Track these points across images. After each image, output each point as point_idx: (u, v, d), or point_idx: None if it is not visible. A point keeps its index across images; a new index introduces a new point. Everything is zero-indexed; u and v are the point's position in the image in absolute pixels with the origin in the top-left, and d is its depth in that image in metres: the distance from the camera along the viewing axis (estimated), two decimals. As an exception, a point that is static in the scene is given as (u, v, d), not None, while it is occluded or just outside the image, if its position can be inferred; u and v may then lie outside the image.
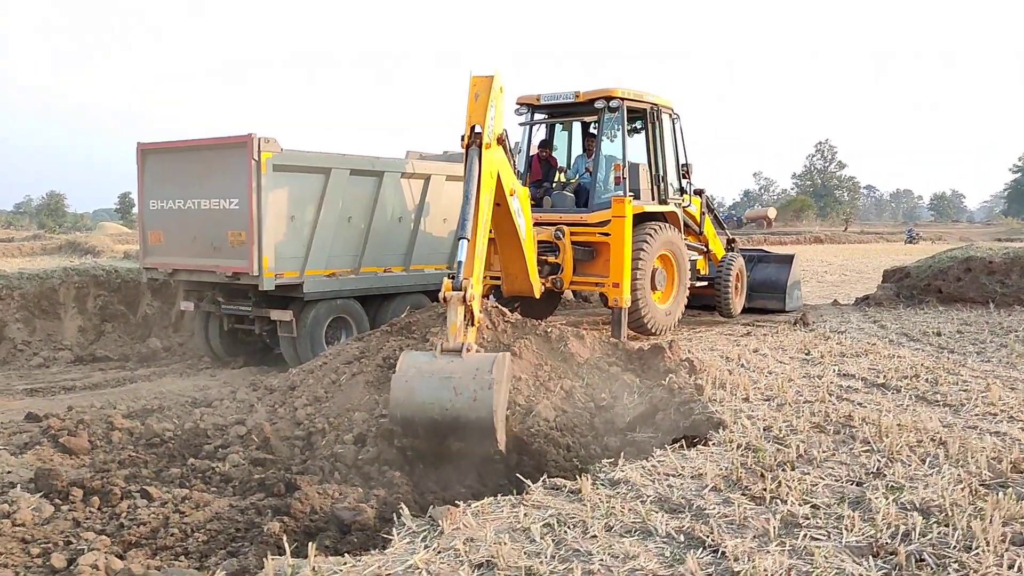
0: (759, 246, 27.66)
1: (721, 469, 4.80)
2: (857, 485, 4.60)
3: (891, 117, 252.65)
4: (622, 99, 10.18)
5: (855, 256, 32.23)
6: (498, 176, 7.35)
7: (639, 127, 10.97)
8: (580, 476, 4.71)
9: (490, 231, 7.92)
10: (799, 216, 68.79)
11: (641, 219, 10.30)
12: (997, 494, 4.31)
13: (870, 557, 3.62)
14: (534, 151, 11.20)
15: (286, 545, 3.85)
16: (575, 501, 4.35)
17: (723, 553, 3.64)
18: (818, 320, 11.97)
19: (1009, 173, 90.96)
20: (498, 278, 9.84)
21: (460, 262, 6.05)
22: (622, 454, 5.23)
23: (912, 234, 47.41)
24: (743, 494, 4.42)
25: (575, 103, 10.47)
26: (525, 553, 3.66)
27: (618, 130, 10.42)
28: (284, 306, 9.48)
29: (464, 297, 5.71)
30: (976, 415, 6.26)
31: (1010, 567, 3.50)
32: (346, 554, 3.80)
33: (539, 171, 11.20)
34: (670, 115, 11.20)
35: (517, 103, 10.90)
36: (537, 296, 9.56)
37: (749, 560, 3.55)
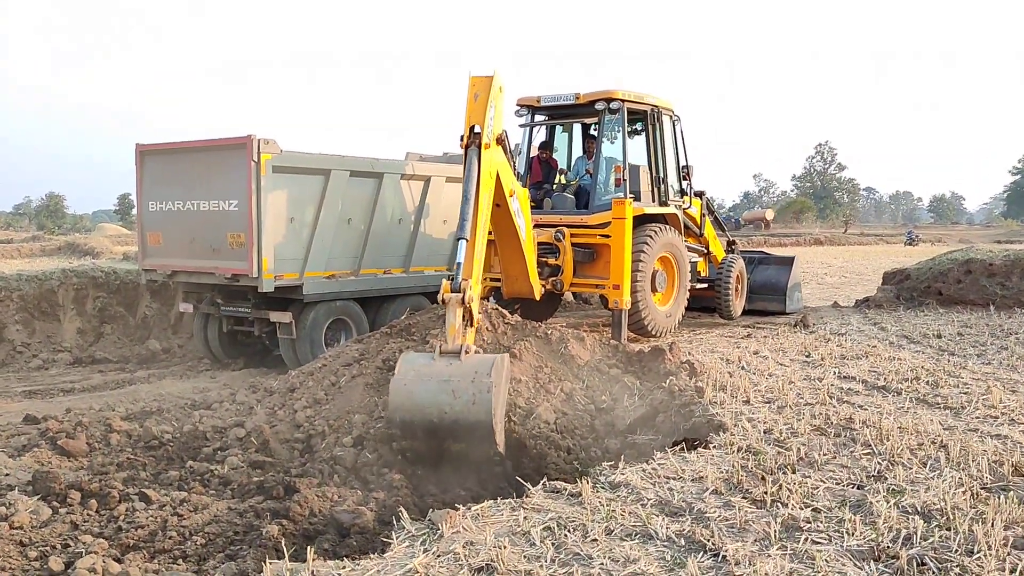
0: (759, 248, 27.66)
1: (722, 472, 4.79)
2: (858, 488, 4.58)
3: (891, 119, 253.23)
4: (622, 101, 10.17)
5: (855, 258, 32.23)
6: (497, 177, 7.34)
7: (639, 129, 10.96)
8: (580, 479, 4.70)
9: (490, 232, 7.91)
10: (799, 218, 68.87)
11: (641, 221, 10.29)
12: (998, 497, 4.30)
13: (871, 561, 3.61)
14: (534, 153, 11.19)
15: (284, 549, 3.83)
16: (575, 504, 4.33)
17: (724, 557, 3.63)
18: (818, 322, 11.95)
19: (1008, 175, 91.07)
20: (498, 280, 9.82)
21: (459, 263, 6.04)
22: (622, 457, 5.22)
23: (912, 236, 47.42)
24: (744, 497, 4.40)
25: (575, 105, 10.46)
26: (525, 557, 3.65)
27: (618, 132, 10.41)
28: (283, 308, 9.47)
29: (463, 299, 5.70)
30: (977, 418, 6.24)
31: (1012, 571, 3.48)
32: (345, 558, 3.79)
33: (539, 173, 11.19)
34: (670, 117, 11.18)
35: (517, 104, 10.90)
36: (537, 298, 9.55)
37: (750, 564, 3.54)
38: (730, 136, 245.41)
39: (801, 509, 4.21)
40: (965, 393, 7.08)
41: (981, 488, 4.53)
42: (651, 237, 10.23)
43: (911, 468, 4.91)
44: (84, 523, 4.51)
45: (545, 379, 6.80)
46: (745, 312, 12.94)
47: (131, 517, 4.53)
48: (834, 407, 6.49)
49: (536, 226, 9.68)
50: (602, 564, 3.57)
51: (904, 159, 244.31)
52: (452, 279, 5.86)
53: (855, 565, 3.58)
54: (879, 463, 5.00)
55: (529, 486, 4.61)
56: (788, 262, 13.93)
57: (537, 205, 10.44)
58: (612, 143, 10.75)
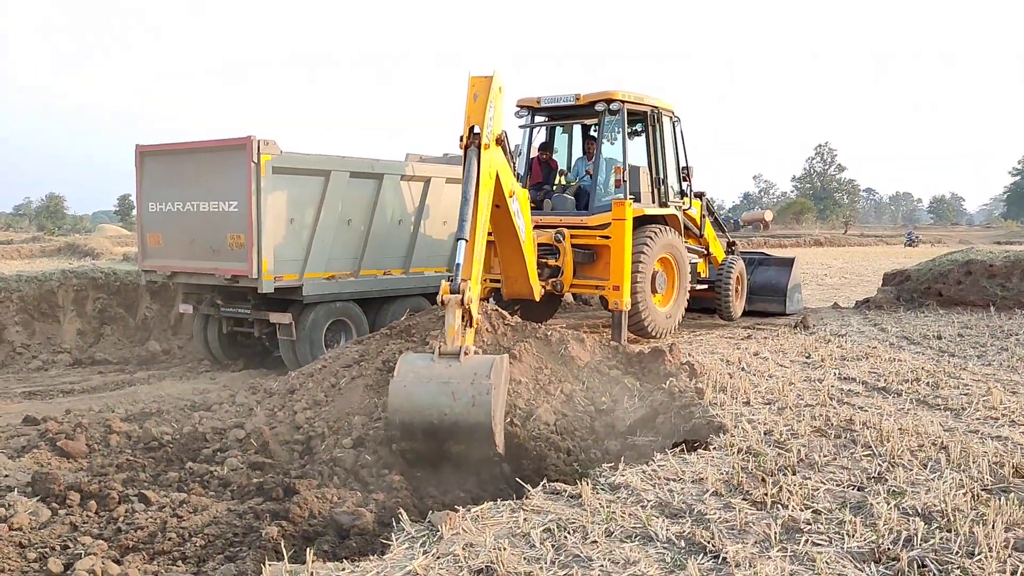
0: (759, 249, 27.68)
1: (722, 474, 4.78)
2: (858, 490, 4.57)
3: (891, 120, 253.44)
4: (623, 102, 10.16)
5: (855, 259, 32.23)
6: (497, 177, 7.34)
7: (639, 130, 10.96)
8: (580, 481, 4.69)
9: (489, 233, 7.91)
10: (799, 219, 68.86)
11: (641, 222, 10.28)
12: (999, 499, 4.29)
13: (872, 563, 3.60)
14: (534, 154, 11.19)
15: (284, 550, 3.83)
16: (575, 506, 4.32)
17: (724, 559, 3.62)
18: (818, 323, 11.95)
19: (1008, 176, 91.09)
20: (498, 281, 9.81)
21: (458, 264, 6.03)
22: (622, 458, 5.21)
23: (912, 237, 47.40)
24: (744, 499, 4.40)
25: (575, 106, 10.46)
26: (525, 559, 3.64)
27: (618, 133, 10.41)
28: (283, 309, 9.46)
29: (462, 300, 5.69)
30: (977, 419, 6.23)
31: (1013, 573, 3.47)
32: (344, 559, 3.78)
33: (539, 174, 11.19)
34: (671, 118, 11.18)
35: (517, 105, 10.89)
36: (537, 299, 9.54)
37: (750, 566, 3.53)
38: (730, 136, 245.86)
39: (801, 511, 4.20)
40: (965, 394, 7.07)
41: (982, 490, 4.53)
42: (651, 238, 10.22)
43: (911, 470, 4.90)
44: (83, 524, 4.51)
45: (545, 380, 6.80)
46: (745, 313, 12.93)
47: (130, 518, 4.53)
48: (834, 408, 6.49)
49: (536, 227, 9.67)
50: (602, 566, 3.57)
51: (904, 159, 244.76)
52: (451, 280, 5.86)
53: (856, 567, 3.57)
54: (879, 465, 5.00)
55: (529, 487, 4.60)
56: (788, 263, 13.93)
57: (537, 206, 10.43)
58: (612, 144, 10.75)
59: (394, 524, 4.13)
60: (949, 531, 3.90)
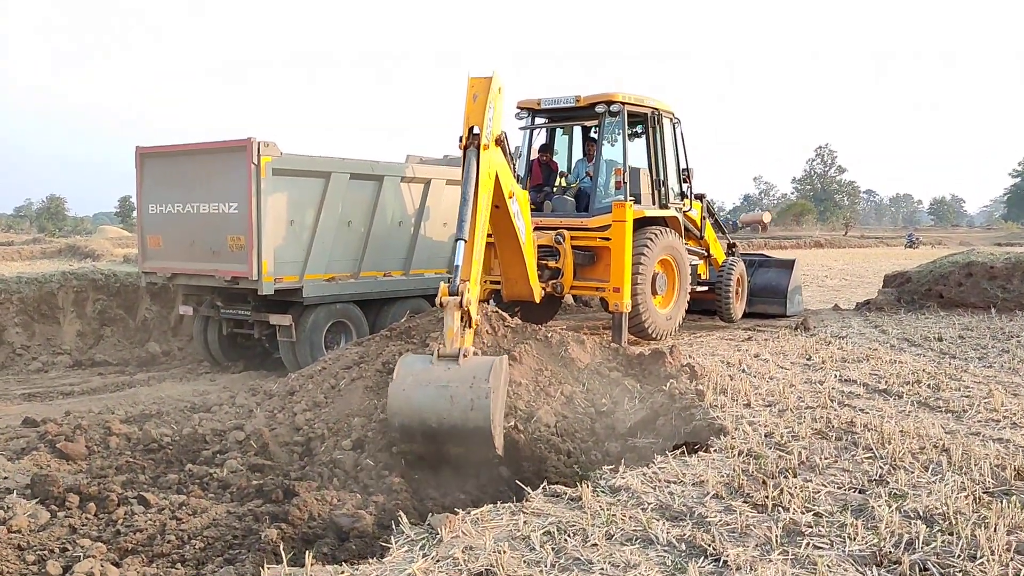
0: (760, 250, 27.66)
1: (722, 476, 4.77)
2: (860, 493, 4.56)
3: (891, 121, 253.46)
4: (623, 103, 10.16)
5: (855, 260, 32.21)
6: (497, 178, 7.33)
7: (640, 131, 10.95)
8: (580, 483, 4.68)
9: (489, 234, 7.90)
10: (799, 220, 68.83)
11: (642, 224, 10.27)
12: (1001, 502, 4.28)
13: (873, 566, 3.59)
14: (534, 155, 11.19)
15: (283, 553, 3.81)
16: (575, 508, 4.31)
17: (725, 562, 3.61)
18: (819, 325, 11.94)
19: (1009, 178, 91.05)
20: (498, 282, 9.81)
21: (457, 265, 6.02)
22: (623, 460, 5.20)
23: (912, 239, 47.36)
24: (745, 501, 4.38)
25: (576, 107, 10.45)
26: (525, 562, 3.63)
27: (619, 134, 10.40)
28: (283, 310, 9.45)
29: (460, 302, 5.68)
30: (979, 421, 6.22)
31: (1015, 576, 3.46)
32: (344, 562, 3.77)
33: (539, 175, 11.18)
34: (671, 119, 11.18)
35: (517, 107, 10.89)
36: (537, 300, 9.53)
37: (751, 569, 3.52)
38: (730, 137, 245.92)
39: (802, 513, 4.19)
40: (967, 396, 7.06)
41: (983, 492, 4.51)
42: (651, 240, 10.22)
43: (913, 472, 4.89)
44: (82, 527, 4.49)
45: (545, 382, 6.79)
46: (745, 315, 12.92)
47: (130, 521, 4.51)
48: (835, 410, 6.48)
49: (536, 229, 9.66)
50: (602, 569, 3.55)
51: (904, 160, 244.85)
52: (450, 282, 5.84)
53: (857, 570, 3.56)
54: (880, 467, 4.98)
55: (529, 490, 4.59)
56: (788, 265, 13.92)
57: (537, 208, 10.43)
58: (612, 146, 10.74)
59: (394, 527, 4.12)
60: (951, 534, 3.89)
